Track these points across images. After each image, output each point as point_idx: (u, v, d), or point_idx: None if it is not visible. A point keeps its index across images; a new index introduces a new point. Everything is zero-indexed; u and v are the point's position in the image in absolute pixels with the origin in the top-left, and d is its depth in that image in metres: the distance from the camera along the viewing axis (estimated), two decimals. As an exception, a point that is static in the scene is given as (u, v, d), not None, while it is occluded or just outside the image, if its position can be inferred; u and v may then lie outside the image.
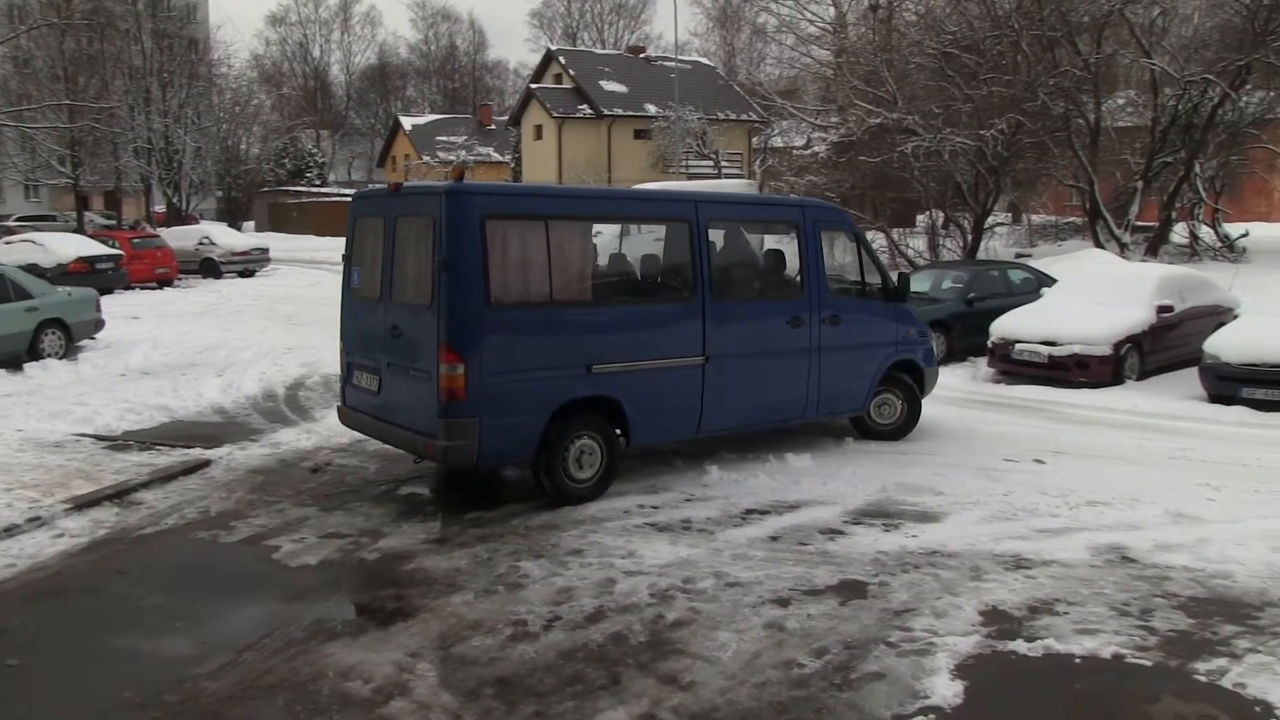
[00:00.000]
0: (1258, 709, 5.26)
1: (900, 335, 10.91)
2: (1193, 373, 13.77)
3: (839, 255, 10.99)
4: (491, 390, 8.04)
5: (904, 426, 11.10)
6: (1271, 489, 9.33)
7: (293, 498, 8.85)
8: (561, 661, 5.70)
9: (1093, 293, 15.20)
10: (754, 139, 55.67)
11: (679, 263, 9.50)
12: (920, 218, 30.23)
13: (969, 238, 28.49)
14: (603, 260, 9.59)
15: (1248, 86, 29.60)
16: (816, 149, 33.98)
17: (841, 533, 7.98)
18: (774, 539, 7.79)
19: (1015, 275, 18.34)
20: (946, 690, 5.37)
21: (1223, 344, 13.20)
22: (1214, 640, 6.06)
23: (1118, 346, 14.25)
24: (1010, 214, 37.48)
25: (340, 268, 9.66)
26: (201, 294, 28.46)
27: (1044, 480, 9.48)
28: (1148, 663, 5.77)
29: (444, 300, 7.93)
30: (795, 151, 41.52)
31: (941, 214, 29.48)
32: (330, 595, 6.72)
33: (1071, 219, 34.95)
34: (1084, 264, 18.25)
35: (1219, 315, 15.66)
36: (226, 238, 36.12)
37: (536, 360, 8.31)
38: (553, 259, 8.46)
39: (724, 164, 46.03)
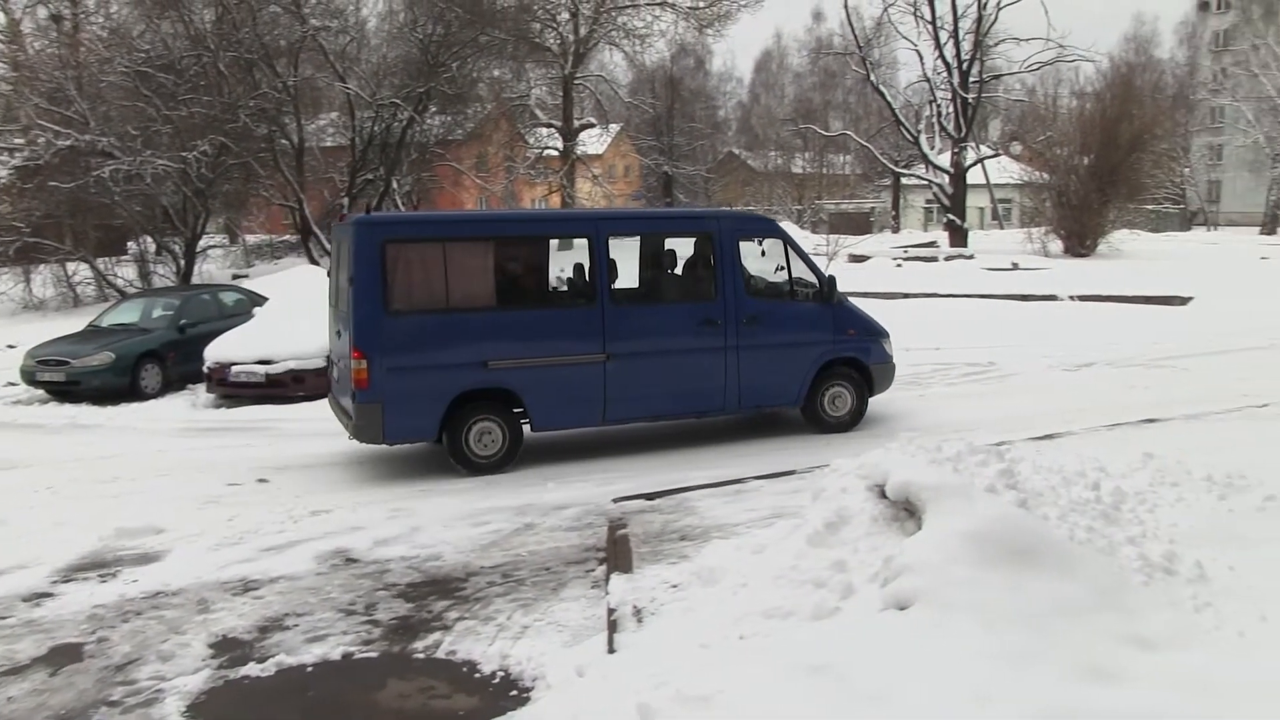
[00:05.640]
0: (465, 669, 5.88)
1: (836, 335, 11.53)
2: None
3: (766, 261, 11.55)
4: (391, 381, 9.70)
5: (853, 419, 11.63)
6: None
7: None
8: None
9: (304, 308, 14.95)
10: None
11: (579, 273, 10.91)
12: (131, 245, 28.55)
13: (181, 263, 27.67)
14: (506, 271, 10.49)
15: (431, 110, 32.76)
16: (-1, 174, 30.50)
17: (50, 595, 7.23)
18: (-34, 619, 6.81)
19: (228, 298, 18.20)
20: (179, 734, 5.15)
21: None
22: (430, 618, 6.59)
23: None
24: (226, 235, 37.17)
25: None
26: None
27: (270, 498, 9.54)
28: (374, 654, 6.10)
29: (351, 309, 9.74)
30: (-25, 177, 36.86)
31: (152, 240, 28.19)
32: None
33: (286, 237, 35.78)
34: (294, 281, 18.47)
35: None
36: None
37: (434, 357, 9.91)
38: (450, 273, 10.08)
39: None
